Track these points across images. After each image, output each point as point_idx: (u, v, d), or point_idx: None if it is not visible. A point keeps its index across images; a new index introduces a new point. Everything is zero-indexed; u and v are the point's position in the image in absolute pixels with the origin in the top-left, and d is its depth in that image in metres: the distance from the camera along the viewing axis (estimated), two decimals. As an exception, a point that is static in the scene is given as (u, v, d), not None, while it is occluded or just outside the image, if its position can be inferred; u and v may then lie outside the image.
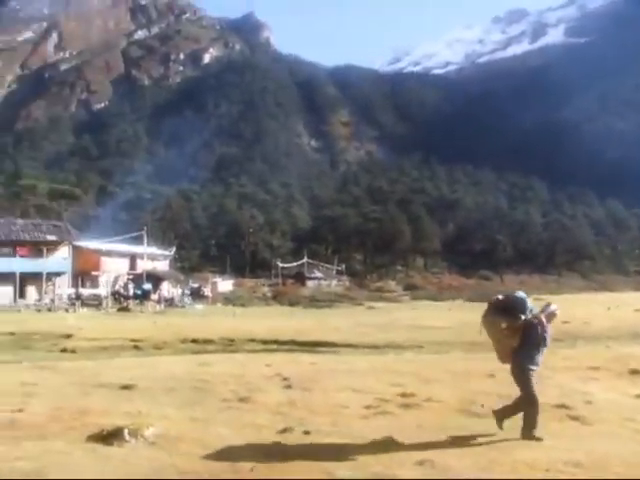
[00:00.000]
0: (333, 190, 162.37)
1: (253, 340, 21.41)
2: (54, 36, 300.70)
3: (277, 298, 59.18)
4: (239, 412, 8.17)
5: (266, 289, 69.54)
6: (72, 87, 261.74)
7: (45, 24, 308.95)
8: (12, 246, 48.96)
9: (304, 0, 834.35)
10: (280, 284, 74.58)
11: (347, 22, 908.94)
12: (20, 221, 56.48)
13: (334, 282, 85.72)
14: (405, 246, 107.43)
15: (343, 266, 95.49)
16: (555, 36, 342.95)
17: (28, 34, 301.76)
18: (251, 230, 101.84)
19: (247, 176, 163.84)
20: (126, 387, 9.77)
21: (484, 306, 7.28)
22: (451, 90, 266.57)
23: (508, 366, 7.07)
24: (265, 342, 20.95)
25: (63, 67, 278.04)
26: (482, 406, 8.24)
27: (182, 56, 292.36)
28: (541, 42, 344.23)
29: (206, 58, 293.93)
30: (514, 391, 7.02)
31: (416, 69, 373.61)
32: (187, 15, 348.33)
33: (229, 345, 20.30)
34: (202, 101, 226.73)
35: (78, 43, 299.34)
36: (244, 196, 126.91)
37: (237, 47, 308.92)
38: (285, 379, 10.61)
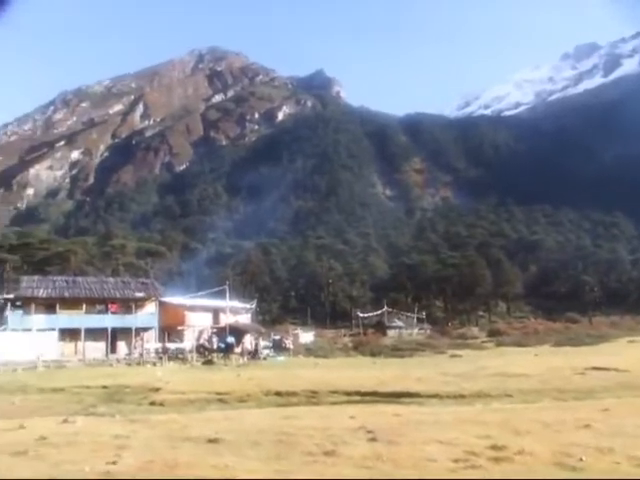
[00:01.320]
0: (410, 237, 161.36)
1: (336, 392, 21.20)
2: (140, 106, 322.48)
3: (358, 348, 58.47)
4: (324, 466, 8.09)
5: (347, 339, 69.02)
6: (156, 151, 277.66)
7: (132, 97, 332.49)
8: (105, 303, 51.57)
9: (370, 53, 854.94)
10: (361, 334, 73.87)
11: (415, 71, 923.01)
12: (111, 279, 59.81)
13: (415, 330, 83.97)
14: (486, 291, 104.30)
15: (424, 314, 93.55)
16: (630, 67, 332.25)
17: (118, 107, 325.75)
18: (330, 281, 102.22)
19: (324, 227, 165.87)
20: (213, 440, 9.92)
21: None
22: (523, 130, 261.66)
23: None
24: (348, 393, 20.69)
25: (148, 133, 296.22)
26: (581, 460, 7.74)
27: (257, 115, 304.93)
28: (615, 74, 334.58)
29: (280, 116, 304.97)
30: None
31: (486, 112, 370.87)
32: (260, 77, 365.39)
33: (312, 397, 20.20)
34: (277, 157, 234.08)
35: (161, 111, 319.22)
36: (322, 247, 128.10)
37: (309, 103, 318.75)
38: (370, 432, 10.43)
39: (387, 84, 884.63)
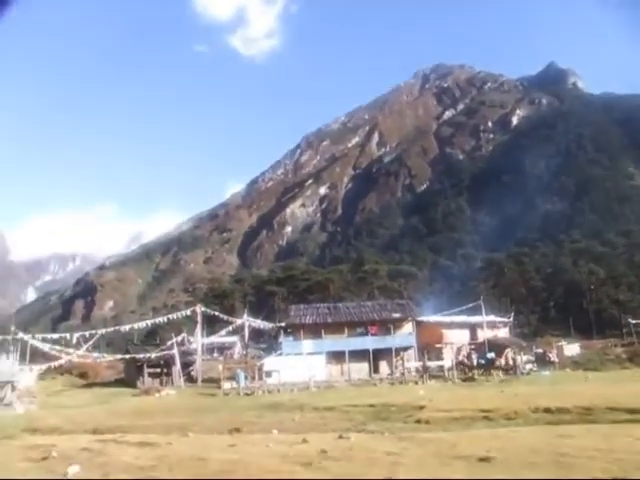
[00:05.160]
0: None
1: (615, 409, 18.99)
2: (375, 135, 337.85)
3: (634, 360, 52.00)
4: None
5: (619, 350, 61.75)
6: (396, 175, 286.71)
7: (367, 127, 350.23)
8: (364, 326, 54.34)
9: (604, 31, 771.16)
10: (635, 343, 65.51)
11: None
12: (369, 303, 63.07)
13: None
14: None
15: None
16: None
17: (355, 139, 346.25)
18: (592, 287, 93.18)
19: (578, 230, 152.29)
20: (484, 459, 9.64)
21: None
22: None
23: None
24: (631, 411, 18.39)
25: (386, 160, 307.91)
26: None
27: (490, 124, 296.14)
28: None
29: (514, 120, 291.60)
30: None
31: None
32: (488, 84, 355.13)
33: (586, 415, 18.43)
34: (517, 163, 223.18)
35: (395, 136, 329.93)
36: (578, 251, 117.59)
37: (544, 101, 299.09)
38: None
39: (631, 62, 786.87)
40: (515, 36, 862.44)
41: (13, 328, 52.59)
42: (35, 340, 54.04)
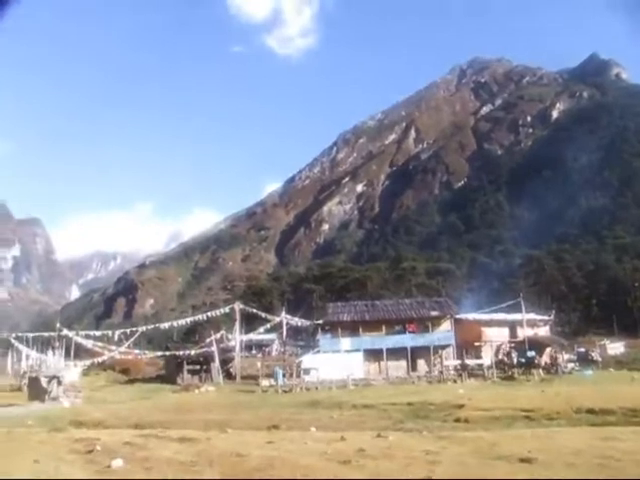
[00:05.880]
0: None
1: (665, 411, 18.46)
2: (412, 132, 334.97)
3: (685, 359, 50.40)
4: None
5: (668, 349, 59.92)
6: (433, 172, 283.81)
7: (404, 124, 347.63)
8: (402, 324, 54.06)
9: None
10: (686, 342, 63.46)
11: None
12: (406, 301, 62.70)
13: None
14: None
15: None
16: None
17: (392, 136, 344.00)
18: (636, 284, 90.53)
19: (621, 225, 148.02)
20: (525, 460, 9.47)
21: None
22: None
23: None
24: (680, 413, 17.85)
25: (423, 156, 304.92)
26: None
27: (529, 119, 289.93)
28: None
29: (554, 114, 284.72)
30: None
31: None
32: (527, 78, 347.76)
33: (633, 417, 17.91)
34: (558, 157, 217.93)
35: (432, 132, 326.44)
36: (622, 248, 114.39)
37: (585, 94, 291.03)
38: None
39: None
40: (554, 28, 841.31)
41: (58, 325, 54.22)
42: (79, 337, 55.57)
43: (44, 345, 60.00)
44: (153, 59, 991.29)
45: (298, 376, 46.38)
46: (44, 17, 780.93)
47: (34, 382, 38.37)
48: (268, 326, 68.87)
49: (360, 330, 52.89)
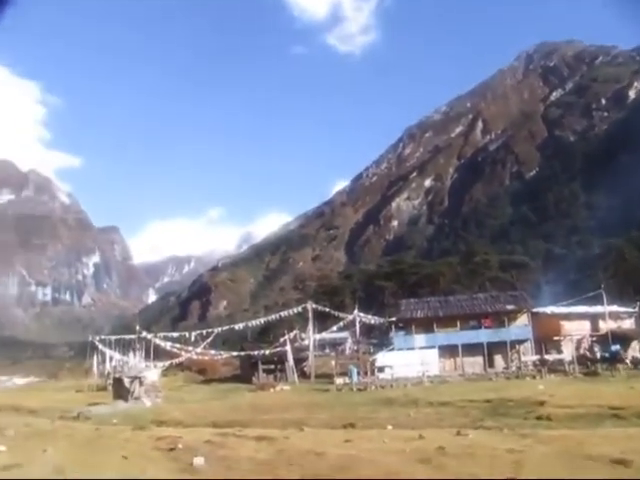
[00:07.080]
0: None
1: None
2: (479, 123, 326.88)
3: None
4: None
5: None
6: (503, 163, 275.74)
7: (470, 116, 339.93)
8: (477, 319, 52.84)
9: None
10: None
11: None
12: (481, 295, 61.20)
13: None
14: None
15: None
16: None
17: (459, 129, 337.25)
18: None
19: None
20: (619, 462, 8.84)
21: None
22: None
23: None
24: None
25: (492, 147, 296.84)
26: None
27: (604, 101, 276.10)
28: None
29: (631, 94, 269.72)
30: None
31: None
32: (600, 59, 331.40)
33: None
34: (637, 140, 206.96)
35: (500, 122, 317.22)
36: None
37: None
38: None
39: None
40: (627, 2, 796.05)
41: (138, 328, 56.40)
42: (157, 339, 57.57)
43: (125, 347, 62.46)
44: (219, 65, 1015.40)
45: (372, 374, 46.16)
46: (112, 28, 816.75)
47: (118, 382, 40.07)
48: (341, 324, 68.95)
49: (434, 326, 52.15)
